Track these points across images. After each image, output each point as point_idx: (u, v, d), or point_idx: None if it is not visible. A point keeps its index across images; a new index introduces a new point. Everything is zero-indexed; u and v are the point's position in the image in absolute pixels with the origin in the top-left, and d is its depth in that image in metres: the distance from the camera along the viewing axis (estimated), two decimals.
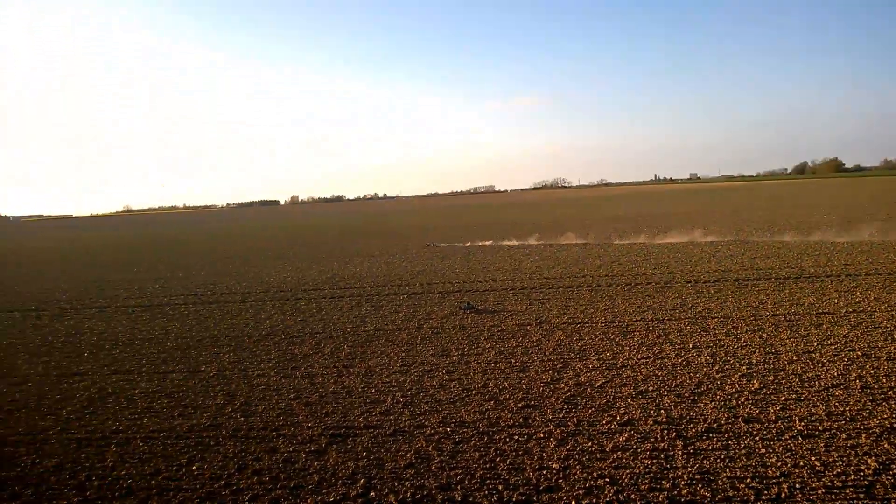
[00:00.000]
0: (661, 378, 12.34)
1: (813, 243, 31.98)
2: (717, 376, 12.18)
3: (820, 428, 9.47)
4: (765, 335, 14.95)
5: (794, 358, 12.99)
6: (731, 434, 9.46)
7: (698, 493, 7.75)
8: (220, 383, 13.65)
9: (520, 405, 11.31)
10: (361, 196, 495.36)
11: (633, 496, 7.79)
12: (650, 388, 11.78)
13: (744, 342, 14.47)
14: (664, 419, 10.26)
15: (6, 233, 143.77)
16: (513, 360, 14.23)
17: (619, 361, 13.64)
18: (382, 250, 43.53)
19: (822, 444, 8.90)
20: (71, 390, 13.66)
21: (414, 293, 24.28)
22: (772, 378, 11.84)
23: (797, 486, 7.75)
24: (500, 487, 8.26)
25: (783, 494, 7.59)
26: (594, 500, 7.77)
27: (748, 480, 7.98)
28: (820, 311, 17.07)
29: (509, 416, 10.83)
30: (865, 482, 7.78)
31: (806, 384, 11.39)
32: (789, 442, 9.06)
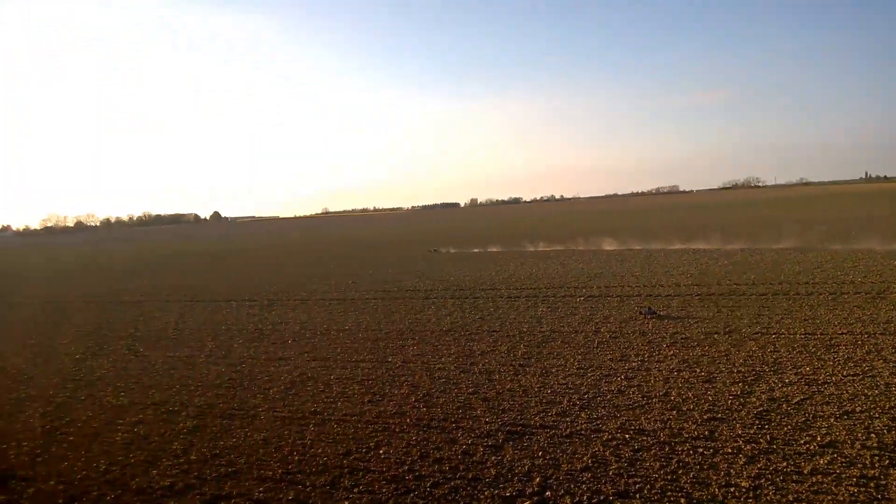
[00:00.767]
0: (871, 398, 11.11)
1: None
2: None
3: None
4: None
5: None
6: None
7: None
8: (405, 374, 14.88)
9: (705, 417, 10.82)
10: (538, 198, 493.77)
11: None
12: (857, 409, 10.64)
13: None
14: (874, 444, 9.21)
15: (224, 233, 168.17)
16: (698, 370, 13.60)
17: (820, 377, 12.47)
18: (557, 252, 43.54)
19: None
20: (277, 373, 15.84)
21: (591, 296, 24.01)
22: None
23: None
24: (682, 501, 8.01)
25: None
26: None
27: None
28: None
29: (693, 427, 10.41)
30: None
31: None
32: None
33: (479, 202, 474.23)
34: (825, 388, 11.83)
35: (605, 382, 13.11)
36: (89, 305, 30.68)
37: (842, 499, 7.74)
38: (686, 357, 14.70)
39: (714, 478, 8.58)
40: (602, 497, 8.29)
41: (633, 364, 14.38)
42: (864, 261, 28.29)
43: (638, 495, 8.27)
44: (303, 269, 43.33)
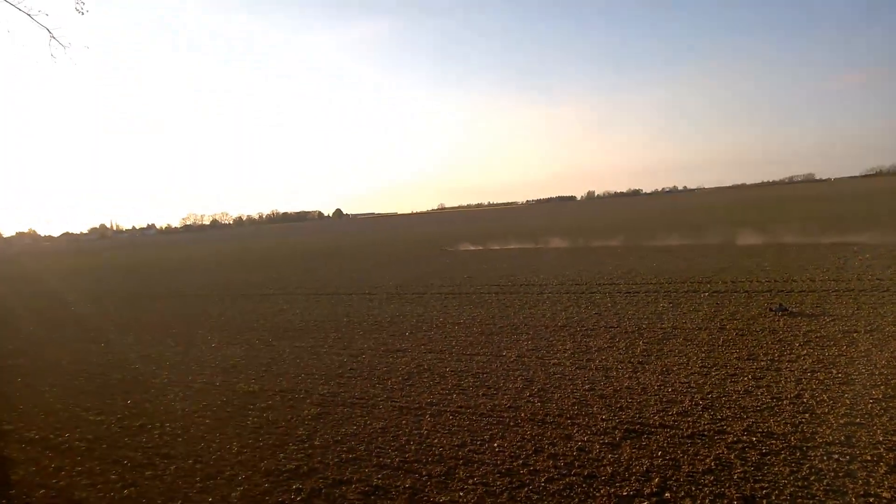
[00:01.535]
0: None
1: None
2: None
3: None
4: None
5: None
6: None
7: None
8: (520, 368, 14.89)
9: (841, 421, 10.02)
10: (659, 189, 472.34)
11: None
12: None
13: None
14: None
15: (344, 229, 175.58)
16: (834, 371, 12.59)
17: None
18: (679, 246, 41.59)
19: None
20: (395, 364, 16.38)
21: (716, 291, 22.79)
22: None
23: None
24: None
25: None
26: None
27: None
28: None
29: (828, 432, 9.67)
30: None
31: None
32: None
33: (595, 195, 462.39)
34: None
35: (731, 382, 12.44)
36: (224, 298, 33.18)
37: None
38: (821, 357, 13.64)
39: (851, 486, 7.94)
40: (726, 501, 7.93)
41: (762, 363, 13.54)
42: None
43: (765, 501, 7.83)
44: (419, 264, 44.35)
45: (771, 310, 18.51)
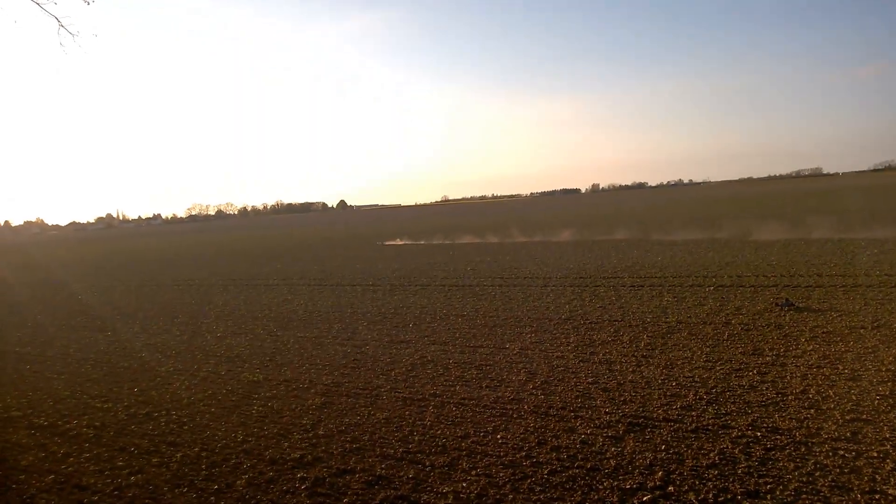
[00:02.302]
0: None
1: None
2: None
3: None
4: None
5: None
6: None
7: None
8: (523, 361, 14.88)
9: (847, 417, 9.99)
10: (664, 182, 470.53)
11: None
12: None
13: None
14: None
15: (348, 220, 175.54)
16: (840, 367, 12.54)
17: None
18: (683, 239, 41.50)
19: None
20: (398, 355, 16.39)
21: (721, 285, 22.73)
22: None
23: None
24: None
25: None
26: None
27: None
28: None
29: (834, 428, 9.65)
30: None
31: None
32: None
33: (600, 188, 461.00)
34: None
35: (736, 377, 12.42)
36: (228, 288, 33.25)
37: None
38: (827, 353, 13.60)
39: (856, 483, 7.92)
40: (730, 496, 7.91)
41: (767, 358, 13.51)
42: None
43: (769, 496, 7.81)
44: (422, 255, 44.34)
45: (777, 305, 18.46)
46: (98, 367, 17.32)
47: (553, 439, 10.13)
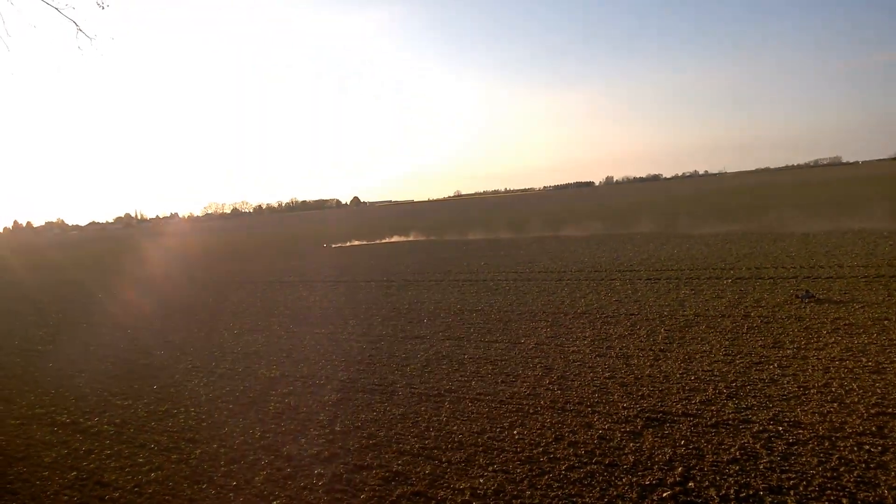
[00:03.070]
0: None
1: None
2: None
3: None
4: None
5: None
6: None
7: None
8: (539, 356, 14.76)
9: (872, 411, 9.75)
10: (679, 174, 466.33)
11: None
12: None
13: None
14: None
15: (361, 214, 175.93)
16: (864, 360, 12.26)
17: None
18: (700, 231, 41.06)
19: None
20: (413, 350, 16.33)
21: (740, 277, 22.40)
22: None
23: None
24: (844, 501, 7.30)
25: None
26: None
27: None
28: None
29: (858, 422, 9.43)
30: None
31: None
32: None
33: (614, 180, 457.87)
34: None
35: (756, 370, 12.21)
36: (245, 285, 33.39)
37: None
38: (850, 345, 13.32)
39: (883, 478, 7.74)
40: (751, 491, 7.75)
41: (788, 352, 13.27)
42: None
43: (792, 492, 7.65)
44: (434, 251, 44.27)
45: (797, 296, 18.16)
46: (118, 365, 17.44)
47: (570, 435, 10.02)
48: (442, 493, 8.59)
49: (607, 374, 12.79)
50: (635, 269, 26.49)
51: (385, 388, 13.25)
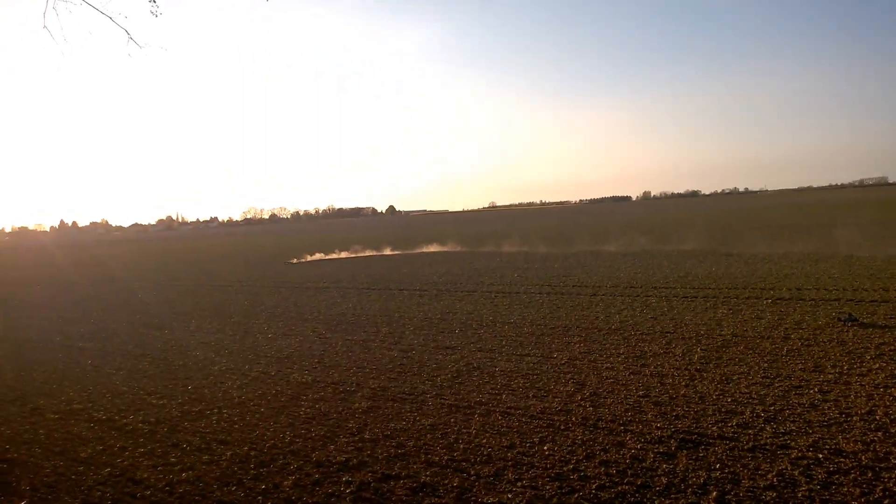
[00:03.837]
0: None
1: None
2: None
3: None
4: None
5: None
6: None
7: None
8: (571, 371, 14.56)
9: None
10: (719, 191, 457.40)
11: None
12: None
13: None
14: None
15: (399, 223, 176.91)
16: None
17: None
18: (737, 250, 40.09)
19: None
20: (444, 361, 16.27)
21: (780, 298, 21.80)
22: None
23: None
24: None
25: None
26: None
27: None
28: None
29: None
30: None
31: None
32: None
33: (651, 195, 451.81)
34: None
35: (796, 394, 11.84)
36: (280, 290, 33.82)
37: None
38: (895, 371, 12.80)
39: None
40: None
41: (830, 376, 12.83)
42: None
43: None
44: (468, 261, 44.20)
45: (840, 320, 17.58)
46: (154, 364, 17.79)
47: (602, 453, 9.83)
48: None
49: (641, 393, 12.54)
50: (672, 287, 26.02)
51: (415, 398, 13.22)
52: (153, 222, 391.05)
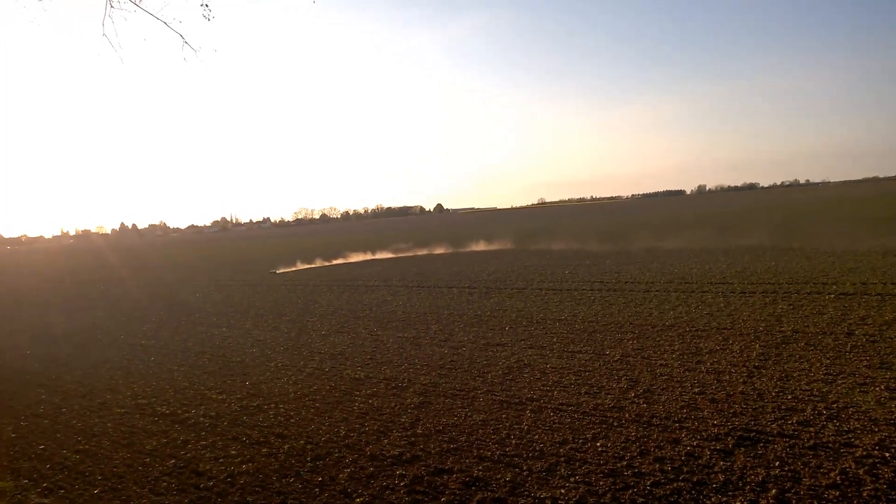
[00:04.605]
0: None
1: None
2: None
3: None
4: None
5: None
6: None
7: None
8: (624, 368, 14.45)
9: None
10: (778, 183, 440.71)
11: None
12: None
13: None
14: None
15: (444, 222, 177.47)
16: None
17: None
18: (797, 244, 38.65)
19: None
20: (494, 358, 16.38)
21: (843, 293, 21.00)
22: None
23: None
24: None
25: None
26: None
27: None
28: None
29: None
30: None
31: None
32: None
33: (707, 188, 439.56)
34: None
35: (860, 392, 11.47)
36: (332, 288, 34.48)
37: None
38: None
39: None
40: None
41: None
42: None
43: None
44: (517, 258, 44.06)
45: None
46: (214, 361, 18.46)
47: (656, 450, 9.77)
48: (522, 500, 8.60)
49: (697, 390, 12.37)
50: (728, 282, 25.40)
51: (466, 394, 13.36)
52: (208, 223, 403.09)
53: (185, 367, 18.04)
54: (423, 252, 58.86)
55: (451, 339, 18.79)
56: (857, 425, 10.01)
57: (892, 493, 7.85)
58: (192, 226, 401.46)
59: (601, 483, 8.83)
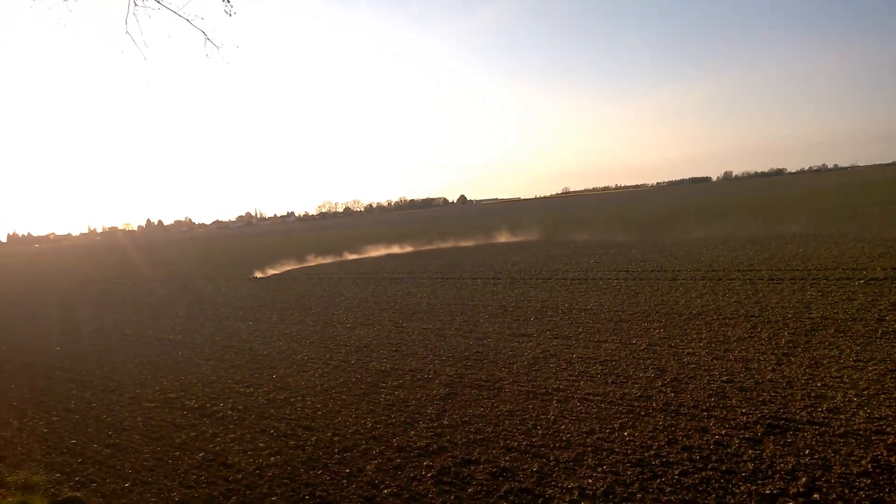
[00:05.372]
0: None
1: None
2: None
3: None
4: None
5: None
6: None
7: None
8: (651, 357, 14.38)
9: None
10: (805, 168, 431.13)
11: None
12: None
13: None
14: None
15: (468, 213, 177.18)
16: None
17: None
18: (826, 230, 37.87)
19: None
20: (520, 348, 16.40)
21: (874, 279, 20.60)
22: None
23: None
24: None
25: None
26: None
27: None
28: None
29: None
30: None
31: None
32: None
33: (733, 175, 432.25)
34: None
35: (891, 379, 11.30)
36: (357, 282, 34.74)
37: None
38: None
39: None
40: None
41: None
42: None
43: None
44: (541, 248, 43.91)
45: None
46: (241, 354, 18.77)
47: (684, 439, 9.74)
48: (550, 490, 8.63)
49: (725, 378, 12.27)
50: (756, 269, 25.06)
51: (492, 385, 13.42)
52: (233, 219, 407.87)
53: (212, 360, 18.37)
54: (446, 245, 58.91)
55: (476, 330, 18.85)
56: (889, 412, 9.87)
57: None
58: (217, 221, 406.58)
59: (629, 473, 8.84)
